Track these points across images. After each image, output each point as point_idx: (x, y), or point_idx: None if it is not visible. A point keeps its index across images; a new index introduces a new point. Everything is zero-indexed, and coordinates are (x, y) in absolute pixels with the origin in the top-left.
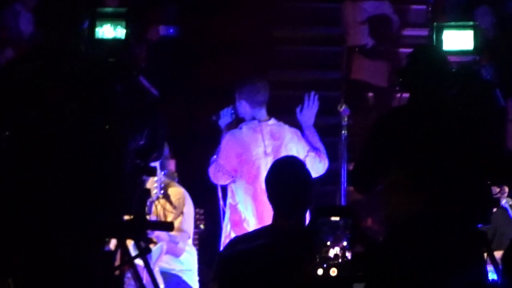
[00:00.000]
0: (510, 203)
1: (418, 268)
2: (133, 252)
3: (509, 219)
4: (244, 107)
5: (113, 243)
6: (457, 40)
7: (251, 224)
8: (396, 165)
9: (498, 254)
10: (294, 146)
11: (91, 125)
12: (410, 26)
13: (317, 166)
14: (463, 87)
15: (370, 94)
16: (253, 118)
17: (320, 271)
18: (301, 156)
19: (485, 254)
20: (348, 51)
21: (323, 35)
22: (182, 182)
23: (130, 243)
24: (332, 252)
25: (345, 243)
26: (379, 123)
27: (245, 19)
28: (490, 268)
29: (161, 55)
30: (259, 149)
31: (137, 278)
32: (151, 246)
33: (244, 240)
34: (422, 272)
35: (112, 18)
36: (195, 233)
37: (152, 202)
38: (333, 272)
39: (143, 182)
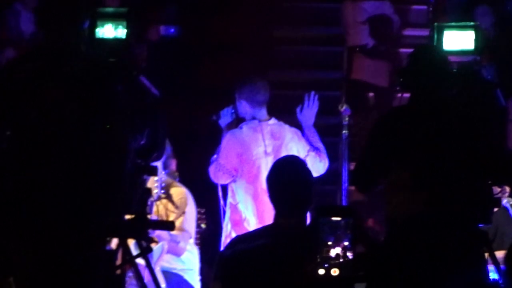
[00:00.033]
0: (511, 202)
1: (419, 268)
2: (134, 251)
3: (510, 219)
4: (244, 107)
5: (114, 243)
6: (458, 40)
7: (252, 224)
8: (397, 165)
9: (499, 254)
10: (295, 145)
11: (91, 125)
12: (411, 26)
13: (317, 166)
14: (464, 87)
15: (371, 94)
16: (254, 118)
17: (321, 271)
18: (301, 155)
19: (486, 254)
20: (348, 51)
21: (323, 35)
22: (183, 182)
23: (131, 243)
24: (333, 252)
25: (346, 243)
26: (379, 123)
27: (245, 19)
28: (491, 268)
29: (161, 55)
30: (260, 148)
31: (138, 277)
32: (152, 245)
33: (244, 240)
34: (423, 272)
35: (113, 18)
36: (196, 233)
37: (153, 201)
38: (334, 272)
39: (144, 182)
